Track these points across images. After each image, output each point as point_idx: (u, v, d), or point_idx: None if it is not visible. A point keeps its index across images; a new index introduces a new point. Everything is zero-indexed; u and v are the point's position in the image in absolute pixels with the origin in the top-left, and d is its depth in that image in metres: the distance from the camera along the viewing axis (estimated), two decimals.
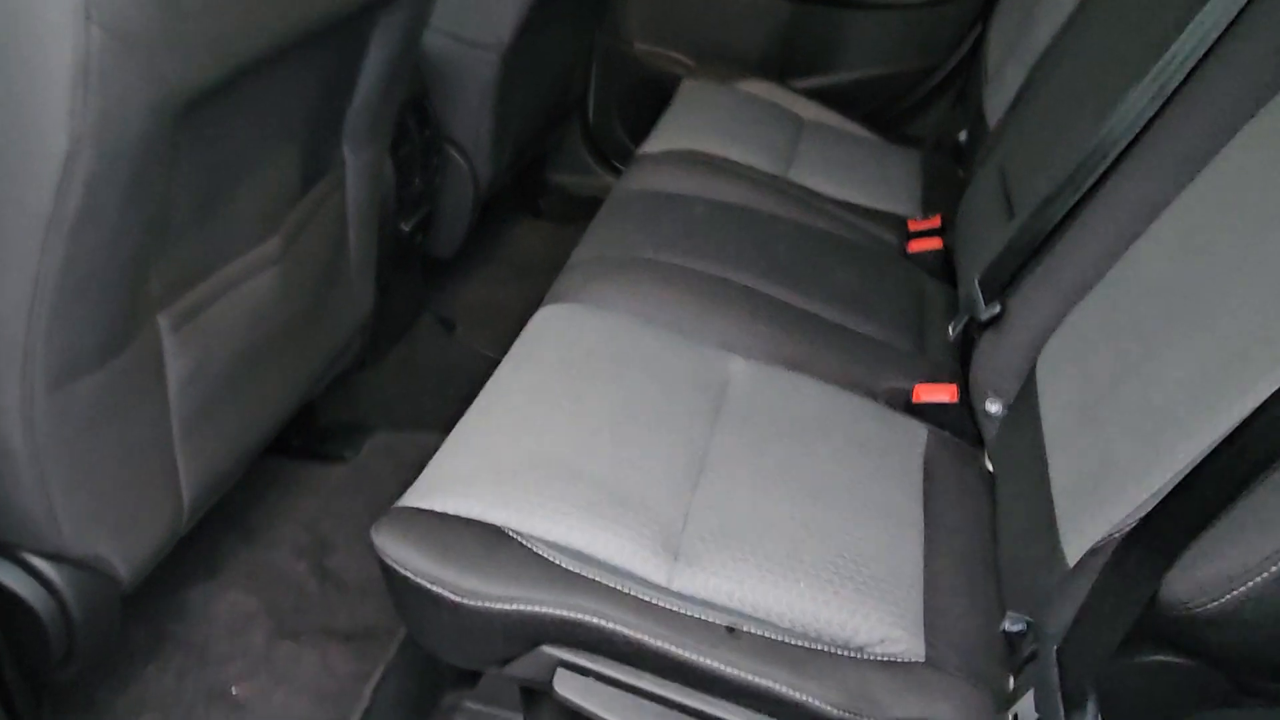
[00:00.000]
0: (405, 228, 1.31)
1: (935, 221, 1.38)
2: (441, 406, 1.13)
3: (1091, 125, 0.93)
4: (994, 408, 0.95)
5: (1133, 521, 0.59)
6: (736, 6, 1.86)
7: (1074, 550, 0.66)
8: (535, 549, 0.75)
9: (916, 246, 1.33)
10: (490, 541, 0.75)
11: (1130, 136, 0.83)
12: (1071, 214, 0.88)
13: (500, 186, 1.64)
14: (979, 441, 0.99)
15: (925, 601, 0.77)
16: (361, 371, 1.42)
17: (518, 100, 1.48)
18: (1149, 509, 0.58)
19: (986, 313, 0.95)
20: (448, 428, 0.89)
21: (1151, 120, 0.82)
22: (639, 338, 1.00)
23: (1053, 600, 0.66)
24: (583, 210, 2.03)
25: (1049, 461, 0.77)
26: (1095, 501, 0.66)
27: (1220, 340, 0.62)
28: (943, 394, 1.02)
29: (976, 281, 0.99)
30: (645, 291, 1.08)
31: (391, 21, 0.88)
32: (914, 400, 1.02)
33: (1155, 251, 0.78)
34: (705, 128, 1.50)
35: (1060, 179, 0.91)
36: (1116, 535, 0.60)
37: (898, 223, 1.40)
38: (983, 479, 0.95)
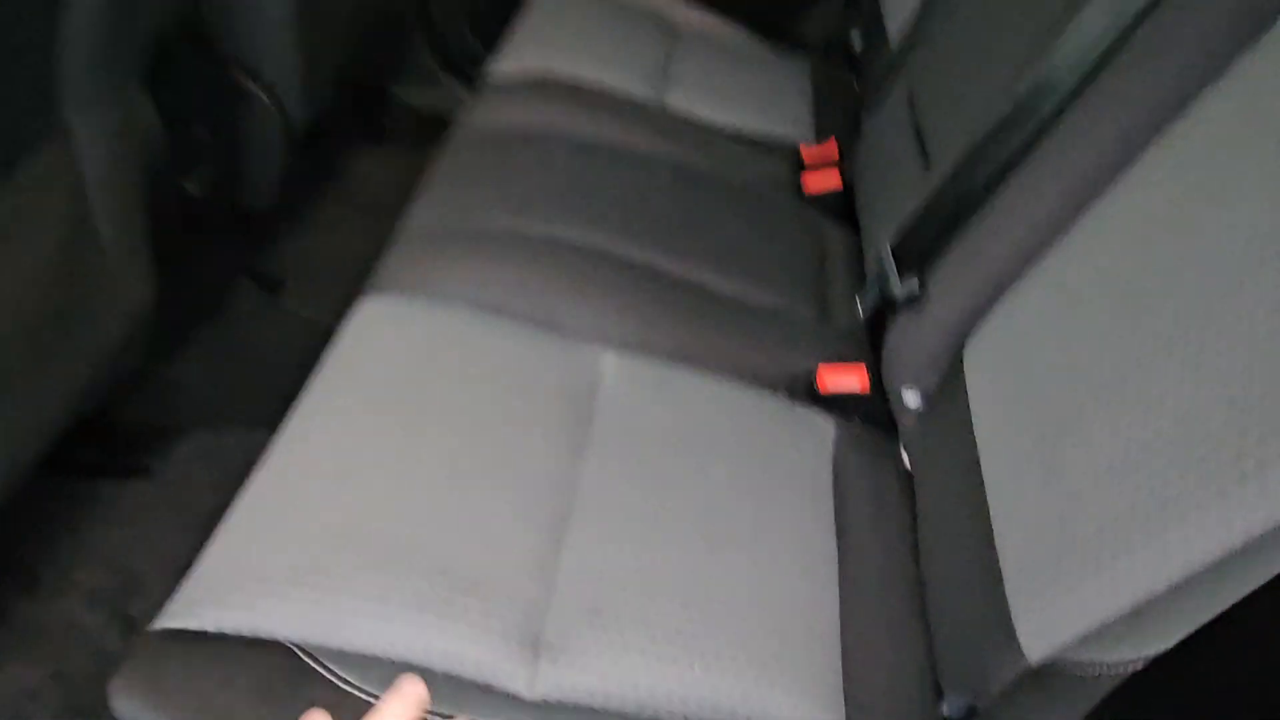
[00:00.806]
0: (191, 187, 1.04)
1: (831, 149, 1.21)
2: (268, 395, 0.92)
3: (1026, 56, 0.76)
4: (911, 398, 0.81)
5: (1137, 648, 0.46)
6: None
7: (1034, 643, 0.52)
8: (343, 679, 0.57)
9: (813, 185, 1.15)
10: (281, 671, 0.56)
11: (1075, 80, 0.66)
12: (1002, 175, 0.72)
13: (328, 112, 1.36)
14: (893, 430, 0.85)
15: (844, 666, 0.64)
16: (165, 363, 1.17)
17: (328, 18, 1.20)
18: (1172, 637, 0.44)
19: (902, 290, 0.79)
20: (274, 422, 0.69)
21: (1104, 58, 0.65)
22: (484, 338, 0.81)
23: (1009, 695, 0.54)
24: (435, 131, 1.75)
25: (988, 491, 0.63)
26: (1058, 580, 0.52)
27: (1218, 374, 0.48)
28: (852, 381, 0.87)
29: (889, 247, 0.83)
30: (491, 273, 0.87)
31: None
32: (819, 390, 0.87)
33: (1110, 231, 0.63)
34: (565, 43, 1.26)
35: (988, 127, 0.74)
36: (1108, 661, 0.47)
37: (790, 152, 1.22)
38: (899, 479, 0.82)
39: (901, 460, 0.83)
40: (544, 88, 1.17)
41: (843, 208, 1.14)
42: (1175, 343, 0.52)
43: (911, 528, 0.77)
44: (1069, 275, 0.66)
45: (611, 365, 0.82)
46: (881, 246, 0.84)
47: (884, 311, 0.84)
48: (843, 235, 1.10)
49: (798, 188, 1.17)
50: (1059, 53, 0.67)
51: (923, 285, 0.78)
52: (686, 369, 0.84)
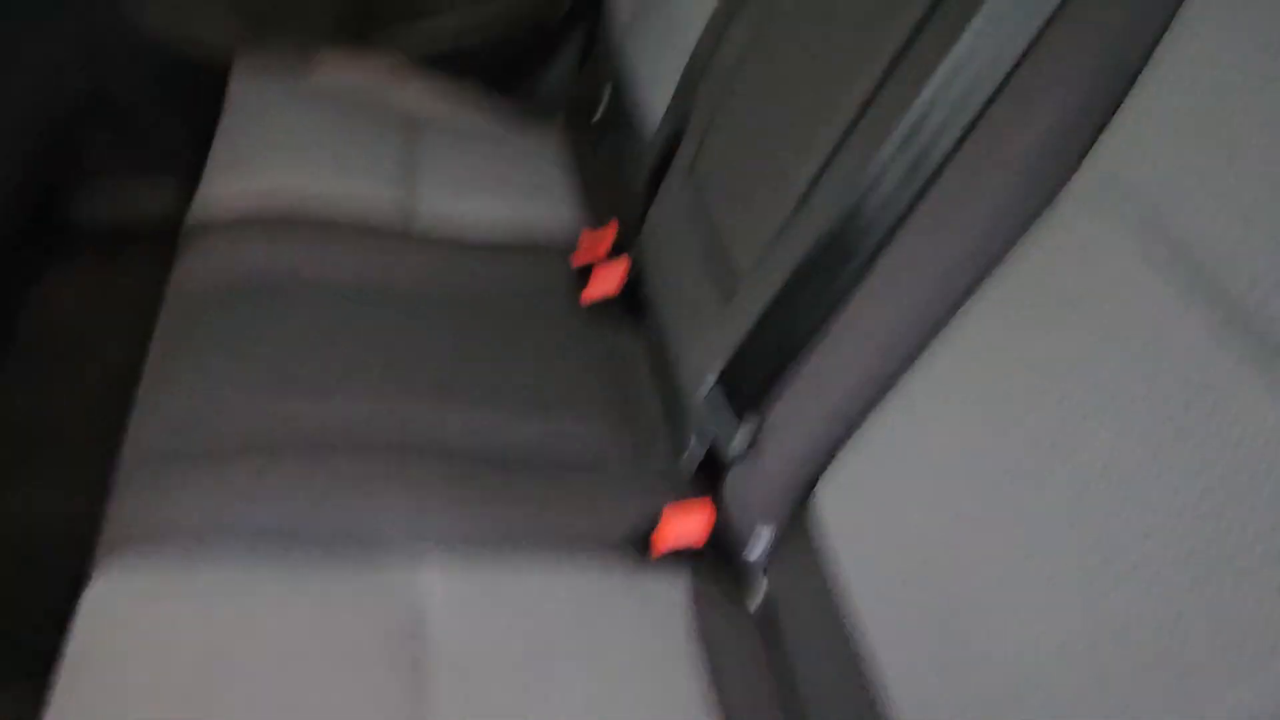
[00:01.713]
0: None
1: (607, 243, 1.13)
2: None
3: (825, 172, 0.72)
4: (760, 544, 0.76)
5: None
6: None
7: None
8: None
9: (595, 290, 1.07)
10: None
11: (889, 219, 0.63)
12: (832, 303, 0.67)
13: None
14: (743, 573, 0.80)
15: None
16: None
17: None
18: None
19: (738, 439, 0.73)
20: None
21: (942, 164, 0.61)
22: (263, 590, 0.65)
23: None
24: (129, 237, 1.50)
25: (859, 629, 0.59)
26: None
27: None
28: (690, 533, 0.80)
29: (713, 389, 0.76)
30: (253, 494, 0.71)
31: None
32: (656, 553, 0.79)
33: (963, 350, 0.60)
34: (281, 162, 1.08)
35: (799, 254, 0.70)
36: None
37: (563, 253, 1.13)
38: (756, 623, 0.76)
39: (756, 603, 0.78)
40: (269, 223, 0.99)
41: (631, 306, 1.07)
42: (1044, 474, 0.50)
43: (773, 675, 0.72)
44: (921, 402, 0.62)
45: (435, 582, 0.70)
46: (702, 385, 0.77)
47: (717, 456, 0.78)
48: (631, 342, 1.02)
49: (578, 292, 1.08)
50: (874, 169, 0.63)
51: (759, 431, 0.73)
52: (515, 559, 0.73)
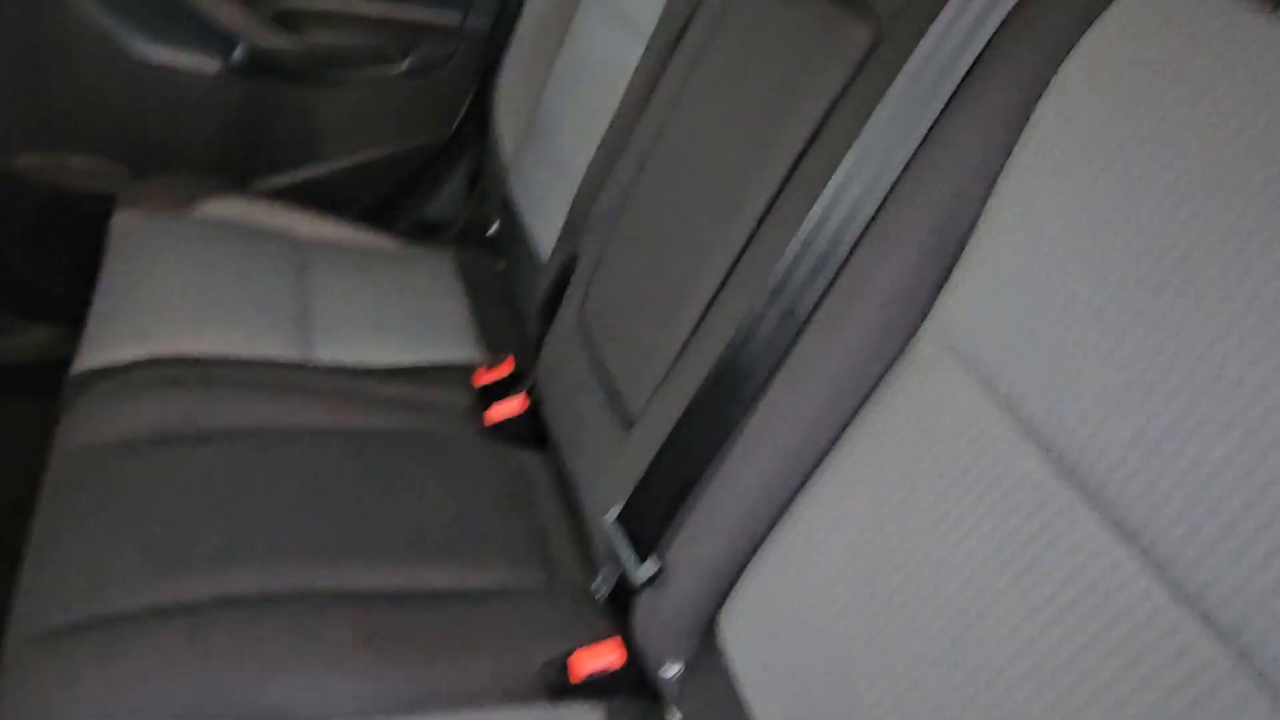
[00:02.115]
0: None
1: (507, 366, 1.16)
2: None
3: (708, 317, 0.77)
4: (672, 672, 0.78)
5: None
6: (164, 94, 1.40)
7: None
8: None
9: (497, 413, 1.10)
10: None
11: (768, 363, 0.68)
12: (721, 440, 0.71)
13: None
14: (657, 696, 0.82)
15: None
16: None
17: None
18: None
19: (642, 574, 0.76)
20: None
21: (795, 336, 0.66)
22: None
23: None
24: (12, 395, 1.43)
25: None
26: None
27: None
28: (605, 658, 0.82)
29: (615, 525, 0.79)
30: (164, 683, 0.69)
31: None
32: (573, 680, 0.80)
33: (834, 507, 0.65)
34: (168, 306, 1.07)
35: (689, 394, 0.74)
36: None
37: (463, 378, 1.15)
38: None
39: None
40: (160, 370, 0.98)
41: (531, 427, 1.09)
42: (921, 598, 0.54)
43: None
44: (810, 542, 0.67)
45: None
46: (605, 521, 0.80)
47: (624, 589, 0.81)
48: (541, 463, 1.05)
49: (479, 417, 1.10)
50: (753, 317, 0.68)
51: (662, 564, 0.76)
52: (433, 716, 0.73)
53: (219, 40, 1.38)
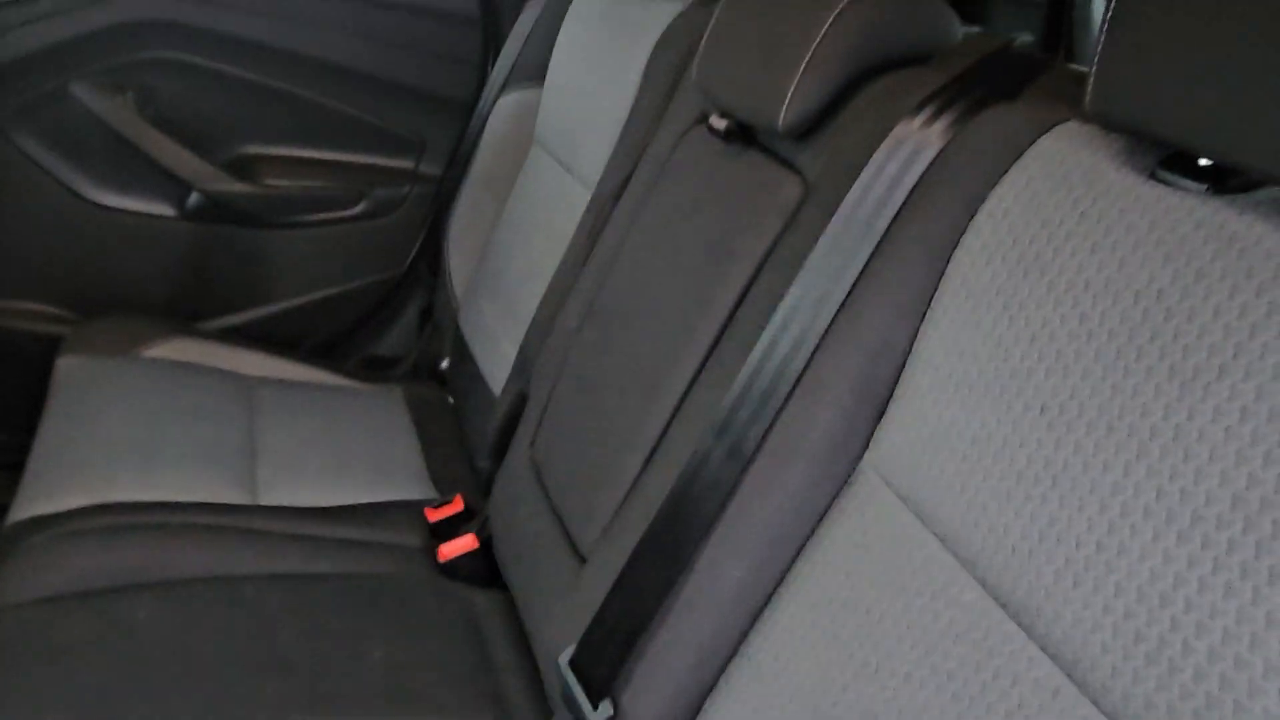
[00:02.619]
0: None
1: (458, 504, 1.16)
2: None
3: (655, 456, 0.80)
4: None
5: None
6: (116, 237, 1.42)
7: None
8: None
9: (448, 551, 1.08)
10: None
11: (715, 501, 0.70)
12: (672, 580, 0.72)
13: None
14: None
15: None
16: None
17: None
18: None
19: (598, 718, 0.75)
20: None
21: (740, 474, 0.69)
22: None
23: None
24: None
25: None
26: None
27: None
28: None
29: (567, 666, 0.78)
30: None
31: None
32: None
33: (784, 643, 0.65)
34: (111, 450, 1.06)
35: (638, 533, 0.75)
36: None
37: (414, 515, 1.14)
38: None
39: None
40: (98, 527, 0.95)
41: (484, 567, 1.08)
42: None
43: None
44: (762, 679, 0.67)
45: None
46: (559, 662, 0.79)
47: None
48: (492, 603, 1.03)
49: (432, 555, 1.09)
50: (698, 457, 0.70)
51: (616, 708, 0.75)
52: None
53: (173, 186, 1.42)
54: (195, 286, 1.48)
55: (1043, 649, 0.49)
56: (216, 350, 1.35)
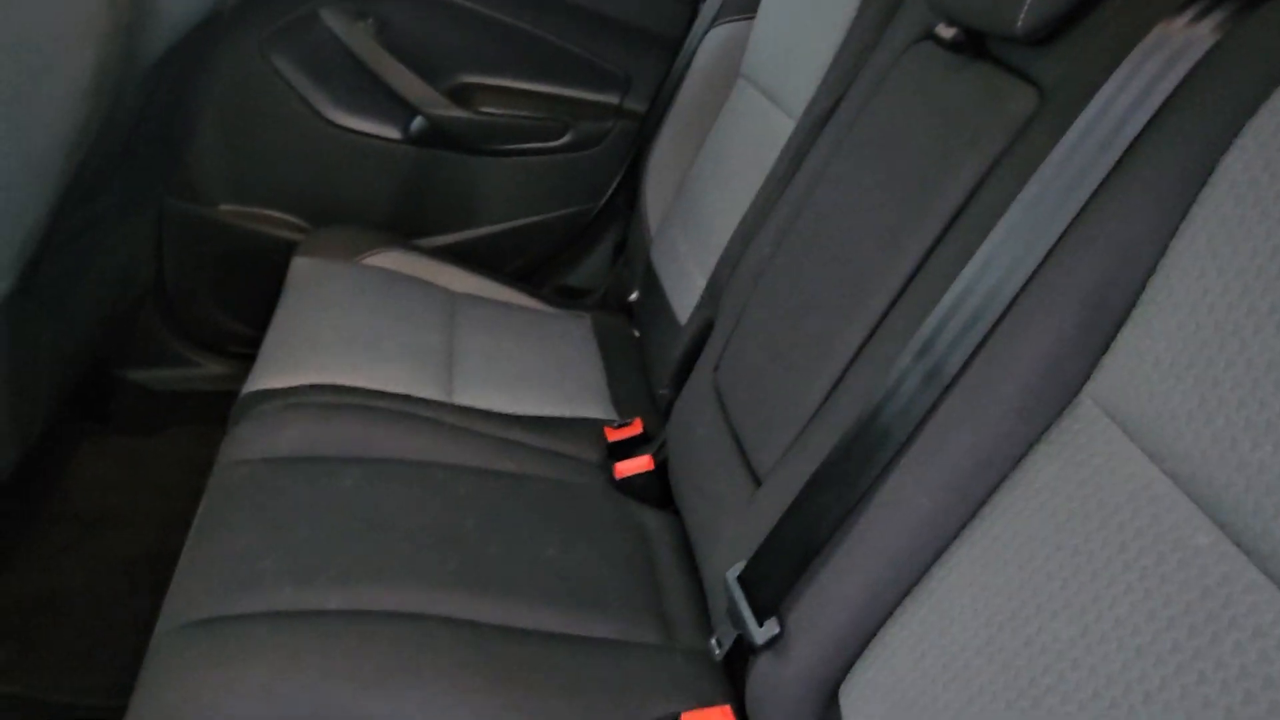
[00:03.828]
0: None
1: (637, 427, 1.17)
2: None
3: (844, 378, 0.77)
4: None
5: None
6: (349, 155, 1.53)
7: None
8: None
9: (624, 469, 1.11)
10: None
11: (907, 426, 0.66)
12: (847, 509, 0.70)
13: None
14: None
15: None
16: None
17: (46, 345, 1.02)
18: None
19: (761, 635, 0.74)
20: None
21: (938, 400, 0.65)
22: None
23: None
24: (173, 413, 1.56)
25: None
26: None
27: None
28: None
29: (736, 582, 0.78)
30: (290, 684, 0.71)
31: None
32: None
33: (976, 582, 0.61)
34: (332, 341, 1.16)
35: (820, 455, 0.73)
36: None
37: (594, 432, 1.17)
38: None
39: None
40: (317, 403, 1.04)
41: (658, 489, 1.10)
42: (1066, 684, 0.50)
43: None
44: (946, 618, 0.63)
45: None
46: (726, 577, 0.79)
47: (742, 651, 0.78)
48: (663, 523, 1.05)
49: (609, 473, 1.11)
50: (892, 378, 0.67)
51: (782, 627, 0.73)
52: None
53: (401, 110, 1.52)
54: (412, 205, 1.58)
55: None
56: (427, 265, 1.43)
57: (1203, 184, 0.53)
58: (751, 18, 1.33)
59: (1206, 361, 0.49)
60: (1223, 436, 0.48)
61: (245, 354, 1.49)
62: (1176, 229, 0.54)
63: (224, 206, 1.53)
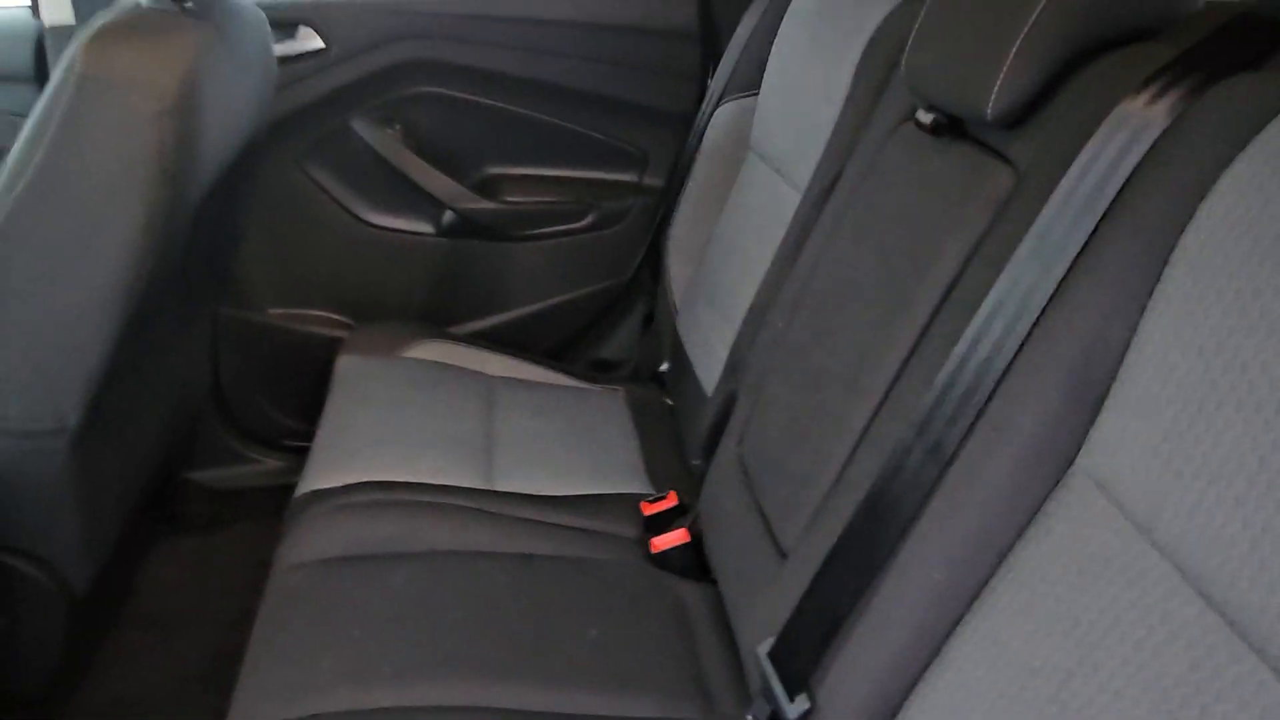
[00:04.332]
0: None
1: (671, 500, 1.20)
2: None
3: (856, 453, 0.79)
4: None
5: None
6: (386, 253, 1.62)
7: None
8: None
9: (660, 543, 1.13)
10: None
11: (915, 500, 0.69)
12: (869, 577, 0.72)
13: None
14: None
15: None
16: None
17: (113, 466, 1.09)
18: None
19: (793, 711, 0.76)
20: None
21: (960, 445, 0.67)
22: None
23: None
24: (235, 509, 1.64)
25: None
26: None
27: None
28: None
29: (767, 659, 0.80)
30: None
31: None
32: None
33: (988, 650, 0.63)
34: (378, 438, 1.22)
35: (838, 530, 0.75)
36: None
37: (630, 507, 1.21)
38: None
39: None
40: (366, 502, 1.10)
41: (694, 560, 1.12)
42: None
43: None
44: (963, 686, 0.65)
45: None
46: (759, 653, 0.81)
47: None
48: (700, 595, 1.07)
49: (646, 548, 1.14)
50: (898, 454, 0.70)
51: (812, 700, 0.75)
52: None
53: (432, 206, 1.60)
54: (447, 294, 1.65)
55: (1276, 670, 0.44)
56: (464, 352, 1.50)
57: (1165, 261, 0.56)
58: (755, 94, 1.38)
59: (1179, 436, 0.51)
60: (1200, 509, 0.49)
61: (298, 447, 1.56)
62: (1145, 305, 0.57)
63: (272, 310, 1.62)
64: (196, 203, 1.04)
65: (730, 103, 1.49)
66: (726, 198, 1.42)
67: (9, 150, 0.89)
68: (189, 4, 0.95)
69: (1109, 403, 0.59)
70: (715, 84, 1.54)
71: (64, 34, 1.30)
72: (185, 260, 1.20)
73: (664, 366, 1.51)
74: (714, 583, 1.07)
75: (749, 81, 1.44)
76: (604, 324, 1.72)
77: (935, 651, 0.68)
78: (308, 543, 1.05)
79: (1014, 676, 0.59)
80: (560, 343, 1.71)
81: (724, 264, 1.34)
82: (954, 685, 0.65)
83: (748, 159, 1.38)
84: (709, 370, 1.27)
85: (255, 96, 1.15)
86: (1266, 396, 0.47)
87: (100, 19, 0.88)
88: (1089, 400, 0.59)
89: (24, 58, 1.44)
